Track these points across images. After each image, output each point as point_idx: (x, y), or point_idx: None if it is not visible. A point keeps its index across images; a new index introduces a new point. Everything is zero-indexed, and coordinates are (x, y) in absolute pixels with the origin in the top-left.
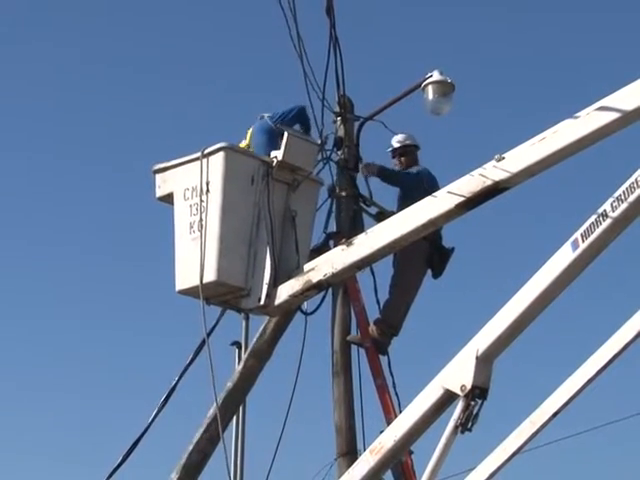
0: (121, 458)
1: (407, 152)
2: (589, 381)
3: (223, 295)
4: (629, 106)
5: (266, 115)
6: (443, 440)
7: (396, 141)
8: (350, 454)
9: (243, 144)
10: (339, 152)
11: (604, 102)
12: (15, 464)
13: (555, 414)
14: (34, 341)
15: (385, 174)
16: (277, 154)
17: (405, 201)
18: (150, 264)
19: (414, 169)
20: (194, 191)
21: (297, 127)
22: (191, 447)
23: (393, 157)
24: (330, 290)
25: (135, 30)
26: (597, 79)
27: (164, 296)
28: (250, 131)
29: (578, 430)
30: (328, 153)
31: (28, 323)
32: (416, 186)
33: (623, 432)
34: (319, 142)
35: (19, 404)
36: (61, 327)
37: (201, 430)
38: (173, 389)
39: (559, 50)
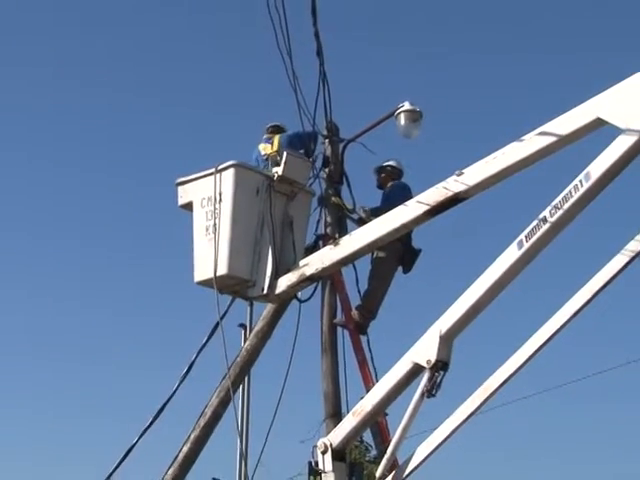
0: (151, 419)
1: (383, 172)
2: (534, 353)
3: (233, 286)
4: (564, 131)
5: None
6: (412, 404)
7: (384, 162)
8: (336, 416)
9: (271, 149)
10: (326, 169)
11: (544, 128)
12: (23, 449)
13: (504, 382)
14: (64, 330)
15: (376, 213)
16: (278, 170)
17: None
18: (172, 260)
19: (390, 188)
20: (209, 200)
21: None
22: (206, 408)
23: (378, 174)
24: (320, 282)
25: (161, 57)
26: (545, 105)
27: (184, 286)
28: (277, 139)
29: (530, 392)
30: (318, 169)
31: (54, 316)
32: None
33: (577, 394)
34: (311, 160)
35: (33, 388)
36: (90, 315)
37: (214, 395)
38: (192, 365)
39: (516, 77)
